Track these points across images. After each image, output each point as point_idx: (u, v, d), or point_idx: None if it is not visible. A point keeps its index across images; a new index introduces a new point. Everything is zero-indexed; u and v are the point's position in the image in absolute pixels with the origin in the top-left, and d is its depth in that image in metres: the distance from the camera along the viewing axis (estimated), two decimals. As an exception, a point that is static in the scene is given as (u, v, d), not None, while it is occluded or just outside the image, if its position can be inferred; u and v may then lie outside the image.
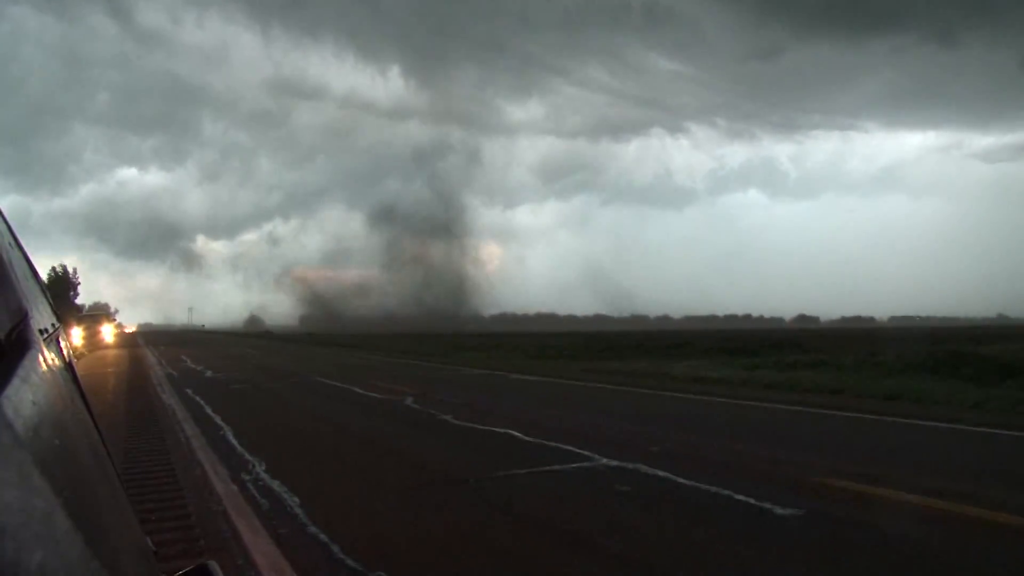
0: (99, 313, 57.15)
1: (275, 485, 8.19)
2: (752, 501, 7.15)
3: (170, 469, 9.27)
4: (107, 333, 51.94)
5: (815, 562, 5.62)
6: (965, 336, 58.10)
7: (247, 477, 8.68)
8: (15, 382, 0.80)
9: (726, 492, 7.51)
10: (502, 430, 11.92)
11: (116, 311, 60.07)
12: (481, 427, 12.43)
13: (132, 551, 1.20)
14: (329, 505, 7.37)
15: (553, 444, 10.53)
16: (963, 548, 5.84)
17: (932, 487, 7.66)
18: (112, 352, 40.52)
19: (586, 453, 9.76)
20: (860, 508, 6.97)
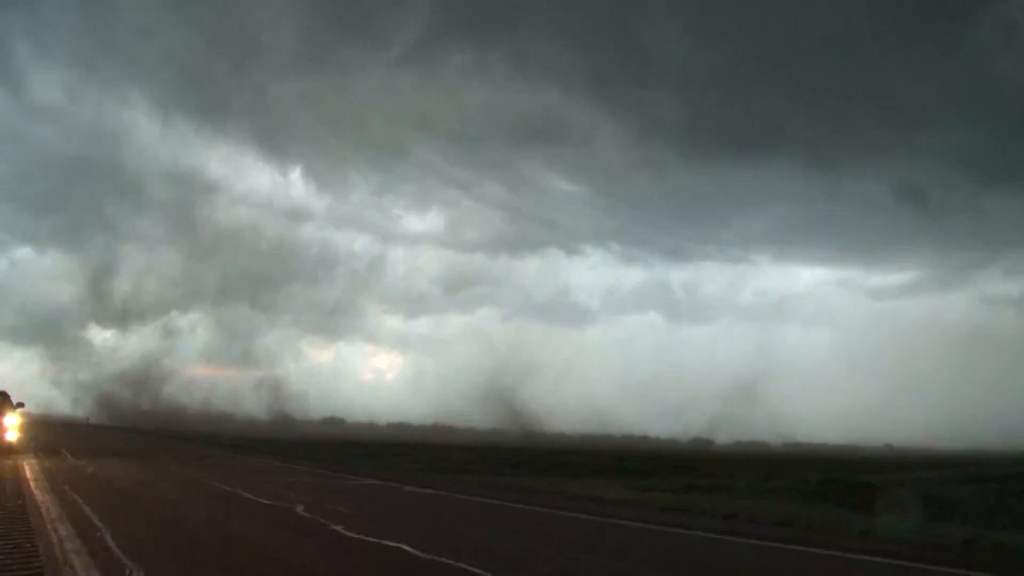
0: None
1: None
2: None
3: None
4: (11, 427, 31.95)
5: None
6: (853, 464, 59.64)
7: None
8: None
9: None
10: (393, 543, 11.68)
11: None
12: (373, 539, 12.15)
13: None
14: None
15: (445, 560, 10.37)
16: None
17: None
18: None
19: (478, 571, 9.63)
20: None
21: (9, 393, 34.32)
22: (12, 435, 31.64)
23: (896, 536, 14.16)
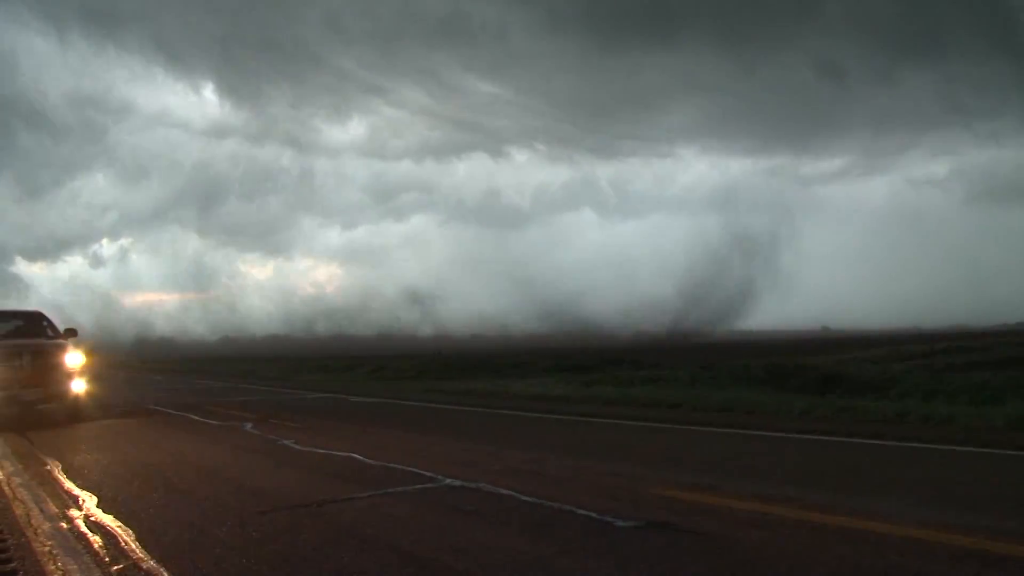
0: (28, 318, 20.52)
1: (108, 520, 7.86)
2: (594, 515, 7.36)
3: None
4: (75, 368, 18.26)
5: (655, 569, 5.84)
6: (791, 348, 61.30)
7: (77, 514, 8.29)
8: None
9: (568, 507, 7.71)
10: (344, 453, 11.82)
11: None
12: (323, 451, 12.28)
13: None
14: (167, 537, 7.13)
15: (396, 466, 10.53)
16: (789, 548, 6.18)
17: (761, 493, 8.11)
18: None
19: (429, 474, 9.80)
20: (696, 516, 7.28)
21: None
22: (80, 386, 18.51)
23: (833, 415, 14.72)
